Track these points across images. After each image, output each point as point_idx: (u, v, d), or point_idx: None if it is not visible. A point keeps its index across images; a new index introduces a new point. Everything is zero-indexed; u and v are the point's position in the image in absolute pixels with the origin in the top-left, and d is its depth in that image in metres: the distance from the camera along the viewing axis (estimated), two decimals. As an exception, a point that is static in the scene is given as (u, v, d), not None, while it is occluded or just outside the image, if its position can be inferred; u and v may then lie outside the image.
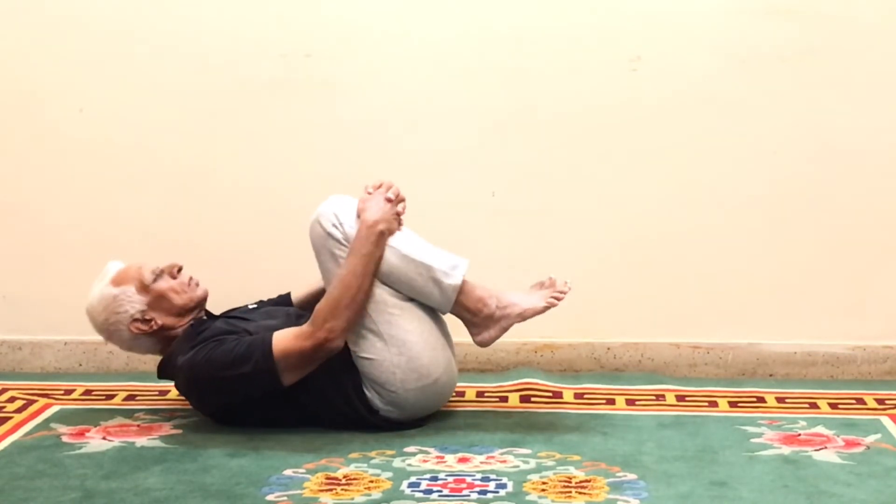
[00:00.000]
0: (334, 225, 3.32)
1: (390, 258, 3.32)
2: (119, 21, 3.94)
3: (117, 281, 3.44)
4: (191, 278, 3.48)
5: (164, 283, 3.43)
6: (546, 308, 3.39)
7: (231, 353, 3.27)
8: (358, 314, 3.28)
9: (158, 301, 3.42)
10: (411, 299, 3.36)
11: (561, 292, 3.40)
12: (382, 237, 3.31)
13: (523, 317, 3.38)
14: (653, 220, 3.95)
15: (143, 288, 3.42)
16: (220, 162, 3.99)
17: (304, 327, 3.28)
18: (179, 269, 3.47)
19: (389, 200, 3.35)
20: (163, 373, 3.45)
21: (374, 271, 3.30)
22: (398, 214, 3.37)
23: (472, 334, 3.41)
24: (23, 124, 4.00)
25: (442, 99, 3.94)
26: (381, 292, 3.32)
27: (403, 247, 3.34)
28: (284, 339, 3.27)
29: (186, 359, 3.32)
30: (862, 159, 3.91)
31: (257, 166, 3.98)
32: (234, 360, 3.26)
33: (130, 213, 4.00)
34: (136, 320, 3.42)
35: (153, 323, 3.42)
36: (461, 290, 3.35)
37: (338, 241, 3.32)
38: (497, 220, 3.96)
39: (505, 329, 3.39)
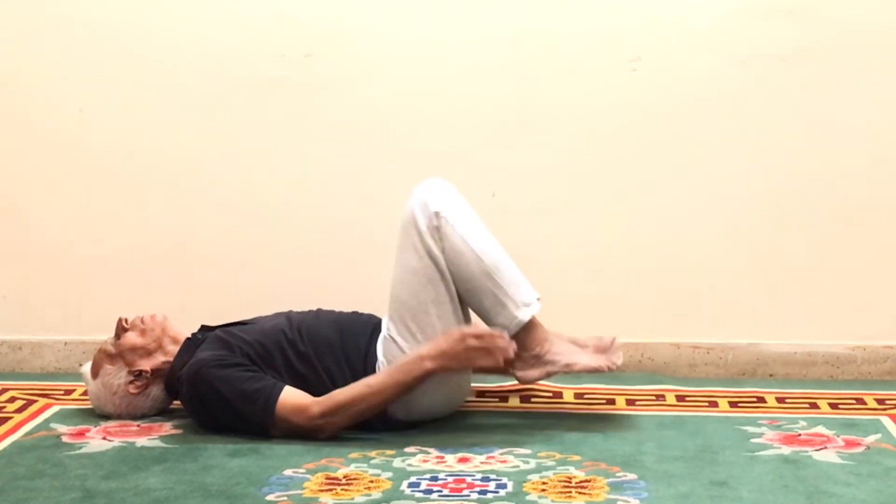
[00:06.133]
0: (429, 216, 3.31)
1: (472, 266, 3.29)
2: (119, 21, 3.94)
3: (94, 373, 3.47)
4: (141, 317, 3.48)
5: (125, 338, 3.45)
6: (596, 369, 3.35)
7: (241, 382, 3.26)
8: (360, 420, 3.25)
9: (132, 353, 3.43)
10: (456, 296, 3.32)
11: (614, 364, 3.35)
12: (426, 375, 3.24)
13: (569, 369, 3.35)
14: (652, 219, 3.95)
15: (113, 357, 3.44)
16: (219, 162, 3.98)
17: (312, 404, 3.25)
18: (125, 320, 3.47)
19: (482, 351, 3.23)
20: (173, 391, 3.45)
21: (399, 397, 3.24)
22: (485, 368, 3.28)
23: (515, 367, 3.35)
24: (22, 124, 4.00)
25: (442, 99, 3.94)
26: (433, 289, 3.29)
27: (488, 259, 3.31)
28: (292, 401, 3.25)
29: (194, 360, 3.31)
30: (862, 159, 3.90)
31: (257, 166, 3.98)
32: (239, 392, 3.25)
33: (130, 214, 4.00)
34: (130, 383, 3.43)
35: (144, 372, 3.43)
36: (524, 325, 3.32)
37: (420, 233, 3.31)
38: (497, 220, 3.95)
39: (548, 374, 3.36)
